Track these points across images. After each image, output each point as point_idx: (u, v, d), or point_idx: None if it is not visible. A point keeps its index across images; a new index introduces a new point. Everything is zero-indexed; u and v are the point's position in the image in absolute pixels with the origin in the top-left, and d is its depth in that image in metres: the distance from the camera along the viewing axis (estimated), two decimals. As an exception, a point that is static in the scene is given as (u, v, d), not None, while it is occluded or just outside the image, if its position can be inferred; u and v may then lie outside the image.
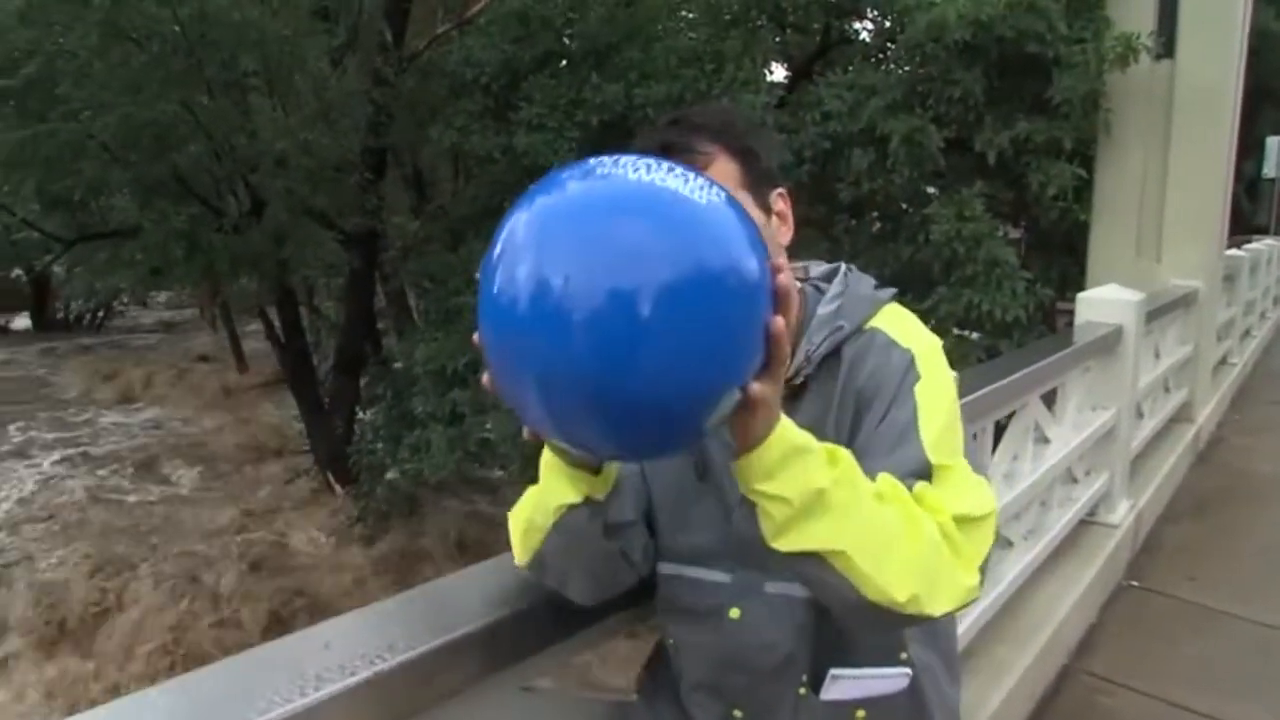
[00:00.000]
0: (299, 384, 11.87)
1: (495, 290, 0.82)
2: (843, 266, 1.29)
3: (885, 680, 1.21)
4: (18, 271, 19.53)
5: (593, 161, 0.86)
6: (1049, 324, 7.57)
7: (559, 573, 1.18)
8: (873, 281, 1.28)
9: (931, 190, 7.70)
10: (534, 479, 1.12)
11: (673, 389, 0.80)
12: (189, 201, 8.90)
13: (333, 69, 10.00)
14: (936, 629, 1.27)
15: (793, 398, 1.17)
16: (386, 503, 10.29)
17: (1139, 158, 6.37)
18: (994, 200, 6.85)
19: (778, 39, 9.08)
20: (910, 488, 1.04)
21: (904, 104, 7.00)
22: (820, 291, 1.25)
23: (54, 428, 15.29)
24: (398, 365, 10.29)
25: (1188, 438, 5.94)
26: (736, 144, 1.16)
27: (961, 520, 1.04)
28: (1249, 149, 16.32)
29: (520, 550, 1.18)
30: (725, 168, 1.13)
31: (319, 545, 10.78)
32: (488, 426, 8.63)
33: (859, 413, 1.15)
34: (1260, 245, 10.72)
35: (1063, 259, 7.42)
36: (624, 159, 0.86)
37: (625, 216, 0.80)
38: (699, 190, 0.84)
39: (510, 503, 1.19)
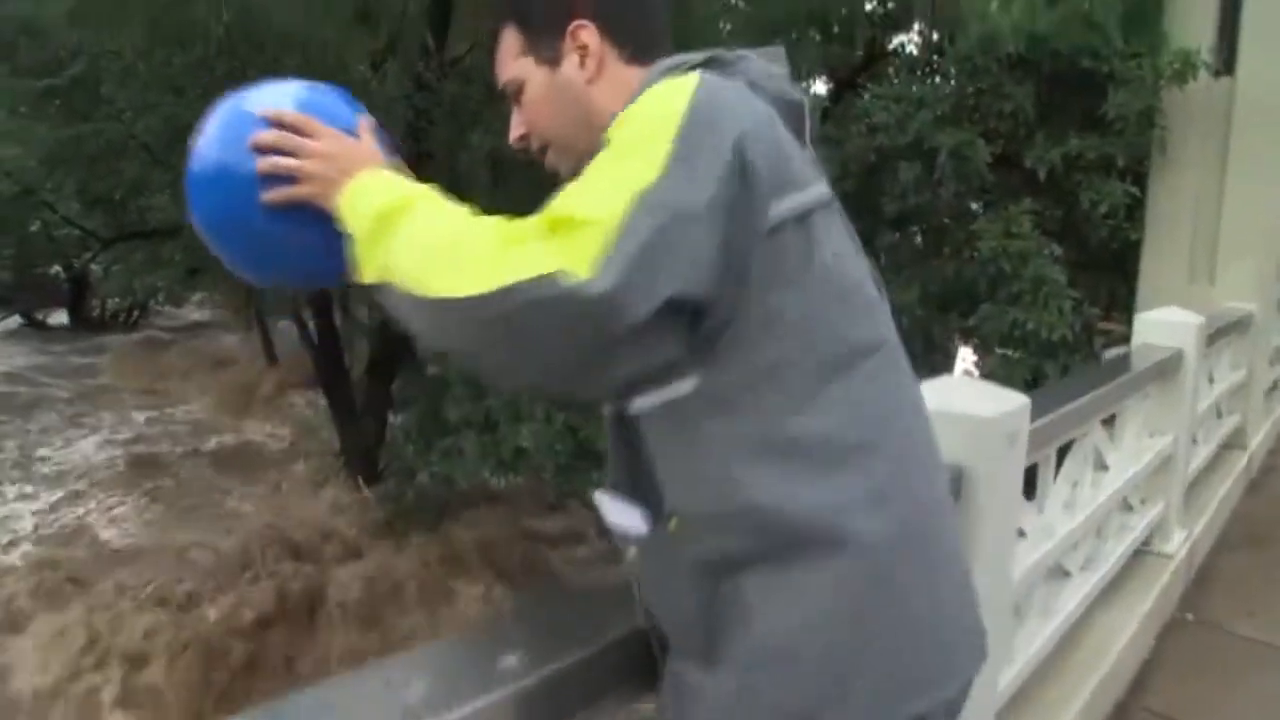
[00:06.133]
0: (332, 386, 11.86)
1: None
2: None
3: (627, 516, 1.00)
4: (57, 268, 19.75)
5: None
6: (1092, 344, 7.42)
7: None
8: (675, 62, 1.06)
9: (975, 206, 7.57)
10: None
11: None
12: (229, 203, 8.89)
13: (373, 73, 10.00)
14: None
15: None
16: (416, 506, 10.26)
17: (1194, 177, 6.23)
18: (1041, 217, 6.71)
19: (820, 51, 8.97)
20: None
21: (953, 117, 6.88)
22: None
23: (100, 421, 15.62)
24: (432, 370, 10.25)
25: (1240, 465, 5.76)
26: (511, 11, 1.13)
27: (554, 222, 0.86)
28: None
29: None
30: (512, 40, 1.13)
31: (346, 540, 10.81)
32: (523, 435, 8.57)
33: None
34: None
35: (1110, 278, 7.26)
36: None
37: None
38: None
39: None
